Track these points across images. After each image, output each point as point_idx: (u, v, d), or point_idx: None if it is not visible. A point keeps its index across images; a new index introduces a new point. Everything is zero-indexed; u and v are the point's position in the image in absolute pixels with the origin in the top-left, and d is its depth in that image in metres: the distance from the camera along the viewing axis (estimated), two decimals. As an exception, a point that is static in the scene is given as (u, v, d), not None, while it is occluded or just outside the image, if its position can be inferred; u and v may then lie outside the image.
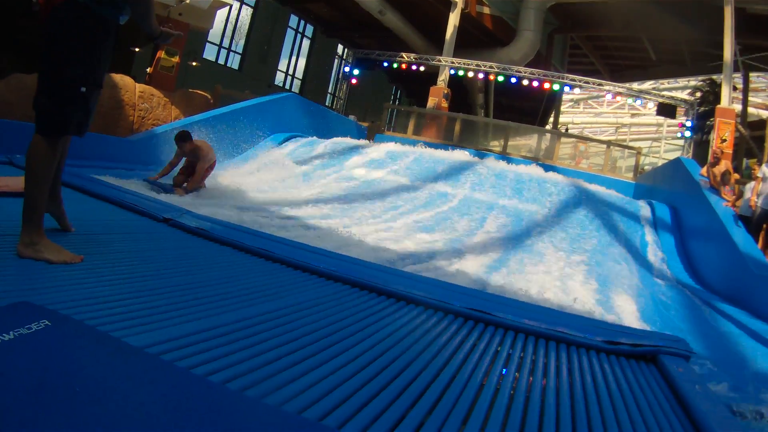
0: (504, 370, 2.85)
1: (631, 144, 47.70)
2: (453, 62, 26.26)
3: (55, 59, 3.32)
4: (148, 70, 18.32)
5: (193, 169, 10.12)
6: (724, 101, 21.25)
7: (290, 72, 33.97)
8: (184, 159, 10.31)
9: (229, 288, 3.31)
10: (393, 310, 3.54)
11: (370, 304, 3.58)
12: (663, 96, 25.94)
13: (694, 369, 3.35)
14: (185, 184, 9.97)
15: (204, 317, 2.67)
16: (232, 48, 29.49)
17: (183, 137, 9.93)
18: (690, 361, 3.43)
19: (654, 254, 11.10)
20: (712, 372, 4.50)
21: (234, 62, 29.77)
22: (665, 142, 48.80)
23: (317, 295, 3.56)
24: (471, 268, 7.76)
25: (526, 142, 25.37)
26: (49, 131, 3.34)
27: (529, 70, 25.77)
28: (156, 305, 2.73)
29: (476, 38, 29.78)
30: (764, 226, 11.02)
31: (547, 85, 25.75)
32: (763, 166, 11.55)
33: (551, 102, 33.88)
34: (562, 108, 42.21)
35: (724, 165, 12.42)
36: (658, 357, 3.34)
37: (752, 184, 11.77)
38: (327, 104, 35.80)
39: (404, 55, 27.28)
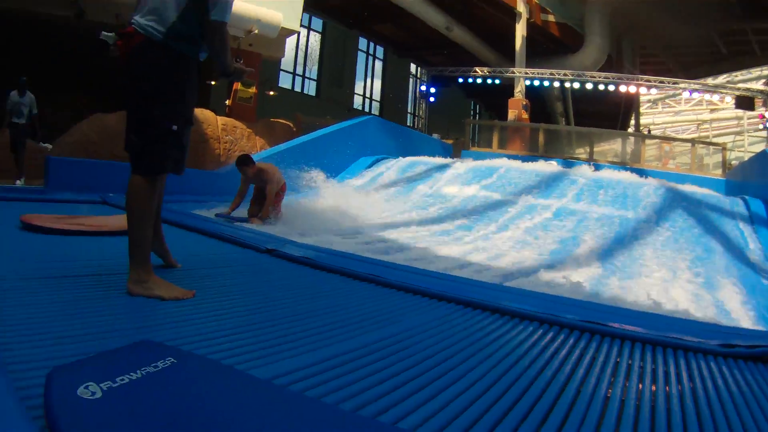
0: (625, 380, 2.73)
1: (714, 140, 46.93)
2: (527, 72, 26.13)
3: (141, 99, 3.37)
4: (227, 102, 18.66)
5: (263, 195, 9.80)
6: (803, 87, 20.70)
7: (367, 95, 34.33)
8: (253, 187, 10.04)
9: (341, 316, 3.29)
10: (507, 329, 3.42)
11: (482, 324, 3.48)
12: (739, 89, 25.33)
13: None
14: (260, 214, 9.66)
15: (319, 348, 2.64)
16: (307, 75, 29.86)
17: (244, 161, 9.70)
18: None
19: (755, 251, 10.73)
20: None
21: (310, 89, 30.27)
22: (748, 135, 47.55)
23: (429, 318, 3.49)
24: (575, 279, 7.65)
25: (611, 146, 25.12)
26: (146, 171, 3.38)
27: (604, 74, 25.46)
28: (267, 338, 2.72)
29: (545, 46, 29.68)
30: None
31: (623, 88, 25.40)
32: None
33: (630, 104, 33.48)
34: (641, 109, 41.55)
35: (814, 152, 12.09)
36: (775, 357, 3.19)
37: None
38: (408, 124, 36.10)
39: (478, 70, 27.27)
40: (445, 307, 3.80)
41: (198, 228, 6.02)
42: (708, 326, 4.04)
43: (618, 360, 3.01)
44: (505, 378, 2.51)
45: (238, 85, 18.23)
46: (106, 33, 3.40)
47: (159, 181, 3.48)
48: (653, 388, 2.64)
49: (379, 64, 35.26)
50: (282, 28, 19.43)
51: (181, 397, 1.71)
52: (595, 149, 23.21)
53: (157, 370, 1.83)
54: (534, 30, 27.89)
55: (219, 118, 16.45)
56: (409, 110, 38.14)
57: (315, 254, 5.00)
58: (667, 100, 49.21)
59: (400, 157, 18.14)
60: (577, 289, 7.02)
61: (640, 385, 2.68)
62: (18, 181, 11.93)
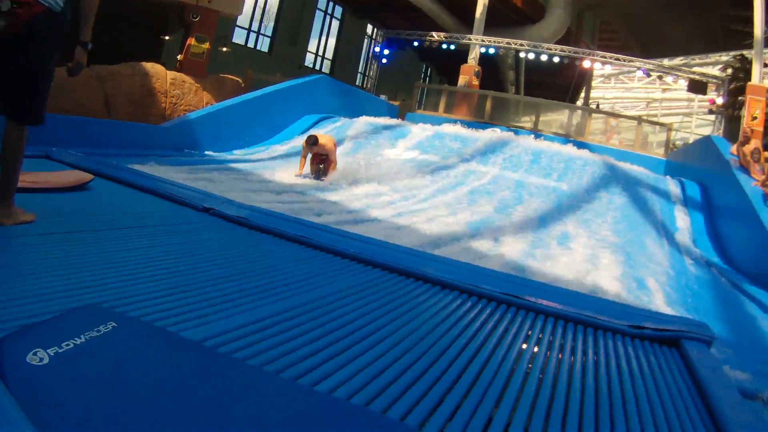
0: (534, 352, 3.02)
1: (662, 119, 47.33)
2: (483, 40, 26.13)
3: (38, 59, 3.73)
4: (178, 57, 18.46)
5: (319, 158, 12.13)
6: (755, 78, 21.00)
7: (320, 53, 34.02)
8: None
9: (272, 278, 3.45)
10: (429, 296, 3.68)
11: (408, 290, 3.73)
12: (694, 73, 25.72)
13: (715, 354, 3.49)
14: (322, 172, 12.18)
15: (251, 309, 2.81)
16: (262, 31, 29.57)
17: (314, 141, 11.84)
18: (712, 346, 3.57)
19: (683, 233, 11.11)
20: (734, 357, 4.60)
21: (264, 45, 29.85)
22: (697, 117, 48.07)
23: (357, 281, 3.71)
24: (503, 249, 7.85)
25: (558, 117, 25.26)
26: (39, 121, 3.87)
27: (560, 47, 25.56)
28: (201, 299, 2.86)
29: (506, 16, 29.43)
30: None
31: (577, 63, 25.64)
32: None
33: (582, 78, 33.64)
34: (594, 83, 41.83)
35: (754, 144, 12.35)
36: (680, 341, 3.48)
37: None
38: (358, 84, 35.97)
39: (434, 35, 27.18)
40: (372, 272, 4.05)
41: (136, 184, 5.99)
42: (621, 307, 4.33)
43: (529, 333, 3.31)
44: (422, 343, 2.78)
45: (191, 41, 17.95)
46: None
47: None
48: (559, 362, 2.94)
49: (336, 24, 34.97)
50: (244, -16, 19.32)
51: (122, 361, 1.90)
52: (541, 119, 23.37)
53: (99, 334, 1.99)
54: (497, -1, 27.89)
55: (168, 72, 16.24)
56: (360, 70, 38.16)
57: (249, 213, 5.15)
58: (620, 76, 49.53)
59: (345, 118, 18.20)
60: (503, 260, 7.23)
61: (547, 357, 2.99)
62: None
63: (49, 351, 1.83)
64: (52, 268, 2.97)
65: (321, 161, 12.28)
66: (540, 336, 3.29)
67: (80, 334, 1.98)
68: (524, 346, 3.08)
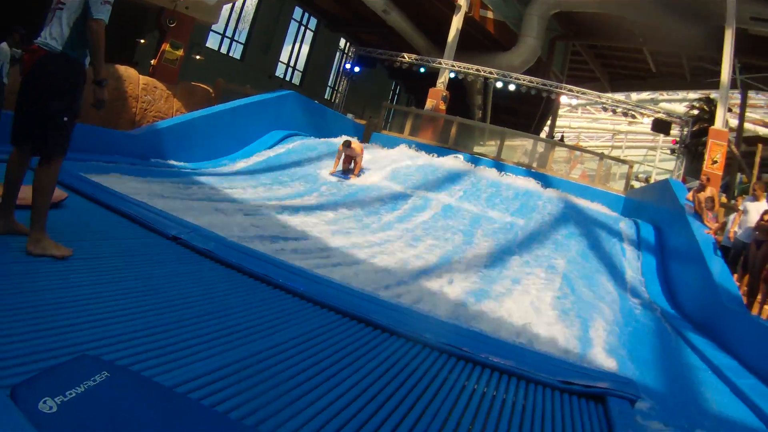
0: (467, 404, 3.39)
1: (627, 151, 48.11)
2: (453, 65, 26.37)
3: (44, 98, 4.20)
4: (152, 62, 18.51)
5: (349, 160, 15.21)
6: (718, 123, 21.38)
7: (291, 63, 34.06)
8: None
9: (236, 320, 3.77)
10: (378, 342, 4.06)
11: (359, 335, 4.10)
12: (659, 111, 26.10)
13: (642, 408, 3.79)
14: (354, 172, 15.11)
15: (219, 353, 3.14)
16: (236, 37, 29.55)
17: (349, 144, 14.89)
18: (641, 400, 3.87)
19: (635, 276, 11.30)
20: (661, 411, 4.81)
21: (236, 52, 29.78)
22: (661, 152, 48.97)
23: (313, 326, 4.05)
24: (453, 287, 8.00)
25: (522, 143, 25.42)
26: (61, 154, 4.35)
27: (528, 78, 25.81)
28: (174, 341, 3.16)
29: (478, 42, 30.04)
30: (742, 258, 11.21)
31: (544, 94, 25.92)
32: (745, 200, 11.83)
33: (549, 107, 34.09)
34: (561, 112, 42.35)
35: (710, 192, 12.71)
36: (606, 398, 3.79)
37: (734, 215, 12.05)
38: (326, 97, 36.34)
39: (405, 56, 27.33)
40: (328, 315, 4.39)
41: (110, 205, 6.18)
42: (555, 361, 4.70)
43: (465, 383, 3.70)
44: (369, 390, 3.18)
45: (166, 46, 18.06)
46: (15, 49, 4.07)
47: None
48: (488, 413, 3.32)
49: (309, 35, 34.99)
50: (223, -5, 19.50)
51: (115, 410, 2.21)
52: (506, 143, 23.53)
53: (95, 384, 2.28)
54: (470, 24, 28.17)
55: (141, 77, 16.28)
56: (330, 84, 38.25)
57: (215, 246, 5.41)
58: (587, 107, 50.10)
59: (312, 137, 18.38)
60: (451, 300, 7.45)
61: (480, 410, 3.34)
62: None
63: (56, 400, 2.12)
64: (22, 305, 3.14)
65: (350, 161, 15.19)
66: (475, 387, 3.68)
67: (80, 383, 2.26)
68: (459, 397, 3.47)
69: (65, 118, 4.25)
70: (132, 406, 2.27)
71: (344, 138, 15.51)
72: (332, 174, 14.71)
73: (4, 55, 10.07)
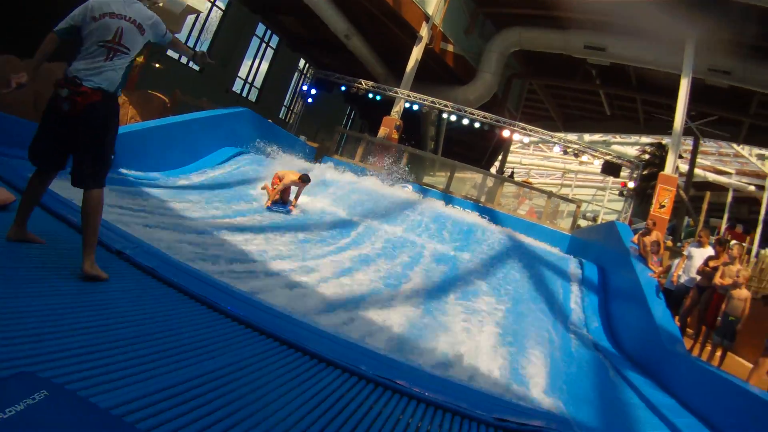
0: None
1: (577, 189, 48.82)
2: (409, 95, 26.60)
3: (101, 138, 4.59)
4: (111, 68, 18.35)
5: (289, 191, 14.23)
6: (668, 169, 21.94)
7: (249, 80, 33.93)
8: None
9: (174, 342, 3.78)
10: (314, 372, 4.09)
11: (294, 365, 4.12)
12: (609, 154, 26.49)
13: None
14: (293, 203, 14.28)
15: (157, 375, 3.17)
16: (196, 48, 29.17)
17: (308, 179, 14.37)
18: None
19: (577, 313, 11.59)
20: None
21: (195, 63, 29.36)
22: (609, 192, 49.79)
23: (254, 351, 4.11)
24: (393, 319, 8.08)
25: (472, 176, 25.57)
26: (102, 184, 4.77)
27: (482, 113, 26.12)
28: (113, 361, 3.16)
29: (436, 73, 30.58)
30: (685, 302, 11.43)
31: (497, 130, 26.15)
32: (690, 246, 12.14)
33: (501, 143, 34.46)
34: (513, 148, 42.76)
35: (655, 236, 13.09)
36: (526, 436, 3.89)
37: (679, 260, 12.36)
38: (281, 116, 36.36)
39: (363, 83, 27.45)
40: (263, 343, 4.40)
41: (55, 212, 6.12)
42: (490, 398, 4.85)
43: (400, 418, 3.76)
44: (304, 421, 3.24)
45: (125, 53, 17.95)
46: (60, 88, 4.10)
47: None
48: None
49: (270, 53, 34.90)
50: (188, 6, 19.47)
51: (52, 429, 2.22)
52: (456, 174, 23.67)
53: (35, 402, 2.30)
54: (430, 56, 28.61)
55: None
56: (285, 103, 38.23)
57: (158, 265, 5.39)
58: (539, 144, 50.67)
59: (262, 155, 18.43)
60: (390, 331, 7.54)
61: None
62: None
63: (-3, 417, 2.13)
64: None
65: (289, 192, 14.24)
66: (410, 421, 3.77)
67: (20, 401, 2.28)
68: (394, 431, 3.56)
69: (113, 156, 4.73)
70: (68, 429, 2.30)
71: (300, 173, 14.42)
72: (269, 207, 13.54)
73: None
